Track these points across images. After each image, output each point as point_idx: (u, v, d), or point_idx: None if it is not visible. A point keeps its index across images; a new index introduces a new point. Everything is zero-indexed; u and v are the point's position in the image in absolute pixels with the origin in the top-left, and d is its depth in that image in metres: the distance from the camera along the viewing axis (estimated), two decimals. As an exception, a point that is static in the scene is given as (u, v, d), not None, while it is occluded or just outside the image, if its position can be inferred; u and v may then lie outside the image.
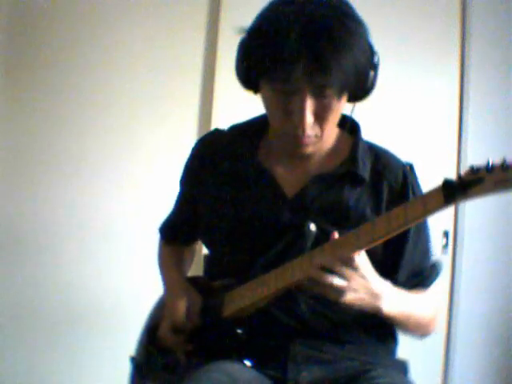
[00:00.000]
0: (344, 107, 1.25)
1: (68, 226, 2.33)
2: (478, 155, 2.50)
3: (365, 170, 1.30)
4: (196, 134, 2.36)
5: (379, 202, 1.29)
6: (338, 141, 1.33)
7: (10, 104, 2.32)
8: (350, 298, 1.13)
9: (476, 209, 2.48)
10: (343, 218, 1.27)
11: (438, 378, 2.47)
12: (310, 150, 1.26)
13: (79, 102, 2.34)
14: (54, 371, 2.30)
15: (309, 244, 1.22)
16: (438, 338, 2.44)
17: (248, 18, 1.25)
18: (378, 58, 1.23)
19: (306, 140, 1.23)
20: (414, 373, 1.36)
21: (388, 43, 2.43)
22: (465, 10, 2.51)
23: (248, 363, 1.24)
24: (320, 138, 1.24)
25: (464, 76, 2.51)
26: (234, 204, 1.33)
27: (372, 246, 1.15)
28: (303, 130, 1.20)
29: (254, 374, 1.22)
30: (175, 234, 1.55)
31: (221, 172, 1.37)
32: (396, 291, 1.22)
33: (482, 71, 2.51)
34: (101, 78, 2.35)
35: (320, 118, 1.21)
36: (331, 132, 1.28)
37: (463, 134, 2.50)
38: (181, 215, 1.52)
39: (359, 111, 1.35)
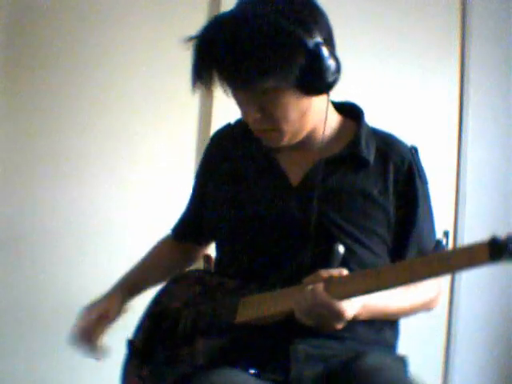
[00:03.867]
0: (303, 103, 1.24)
1: (68, 226, 2.32)
2: (477, 155, 2.50)
3: (369, 152, 1.31)
4: (196, 134, 2.36)
5: (386, 183, 1.30)
6: (342, 126, 1.35)
7: (10, 104, 2.32)
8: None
9: (476, 209, 2.48)
10: (349, 202, 1.29)
11: (438, 378, 2.47)
12: (280, 143, 1.28)
13: (79, 102, 2.34)
14: (54, 371, 2.30)
15: (335, 265, 1.20)
16: (438, 337, 2.45)
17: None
18: (319, 49, 1.18)
19: (271, 135, 1.26)
20: (413, 372, 1.36)
21: (388, 43, 2.43)
22: (465, 9, 2.51)
23: (252, 371, 1.22)
24: (283, 133, 1.25)
25: (464, 76, 2.51)
26: (243, 198, 1.34)
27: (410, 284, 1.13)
28: (257, 125, 1.25)
29: (257, 382, 1.21)
30: (186, 230, 1.56)
31: (229, 167, 1.39)
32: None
33: (482, 71, 2.50)
34: (101, 78, 2.35)
35: (269, 112, 1.23)
36: (301, 127, 1.27)
37: (463, 134, 2.50)
38: (192, 211, 1.53)
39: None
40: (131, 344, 1.44)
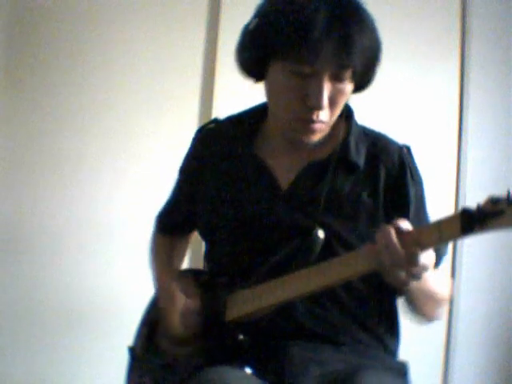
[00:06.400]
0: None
1: (67, 226, 2.32)
2: (477, 155, 2.50)
3: (358, 155, 1.28)
4: (196, 134, 2.36)
5: (376, 186, 1.27)
6: (333, 127, 1.30)
7: (10, 104, 2.32)
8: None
9: (476, 209, 2.47)
10: (338, 206, 1.26)
11: (438, 379, 2.47)
12: (316, 137, 1.24)
13: (79, 102, 2.34)
14: (54, 371, 2.30)
15: (316, 251, 1.20)
16: (438, 338, 2.44)
17: (248, 18, 1.25)
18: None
19: (317, 126, 1.21)
20: (413, 373, 1.36)
21: (388, 42, 2.42)
22: (465, 9, 2.51)
23: (249, 370, 1.22)
24: (327, 124, 1.23)
25: (464, 76, 2.51)
26: (233, 201, 1.32)
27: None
28: (317, 114, 1.19)
29: (254, 381, 1.20)
30: (170, 223, 1.54)
31: (218, 168, 1.36)
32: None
33: (482, 71, 2.50)
34: (101, 78, 2.35)
35: (333, 102, 1.20)
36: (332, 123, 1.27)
37: (463, 134, 2.50)
38: (176, 204, 1.51)
39: (359, 111, 1.35)
40: (132, 351, 1.44)
